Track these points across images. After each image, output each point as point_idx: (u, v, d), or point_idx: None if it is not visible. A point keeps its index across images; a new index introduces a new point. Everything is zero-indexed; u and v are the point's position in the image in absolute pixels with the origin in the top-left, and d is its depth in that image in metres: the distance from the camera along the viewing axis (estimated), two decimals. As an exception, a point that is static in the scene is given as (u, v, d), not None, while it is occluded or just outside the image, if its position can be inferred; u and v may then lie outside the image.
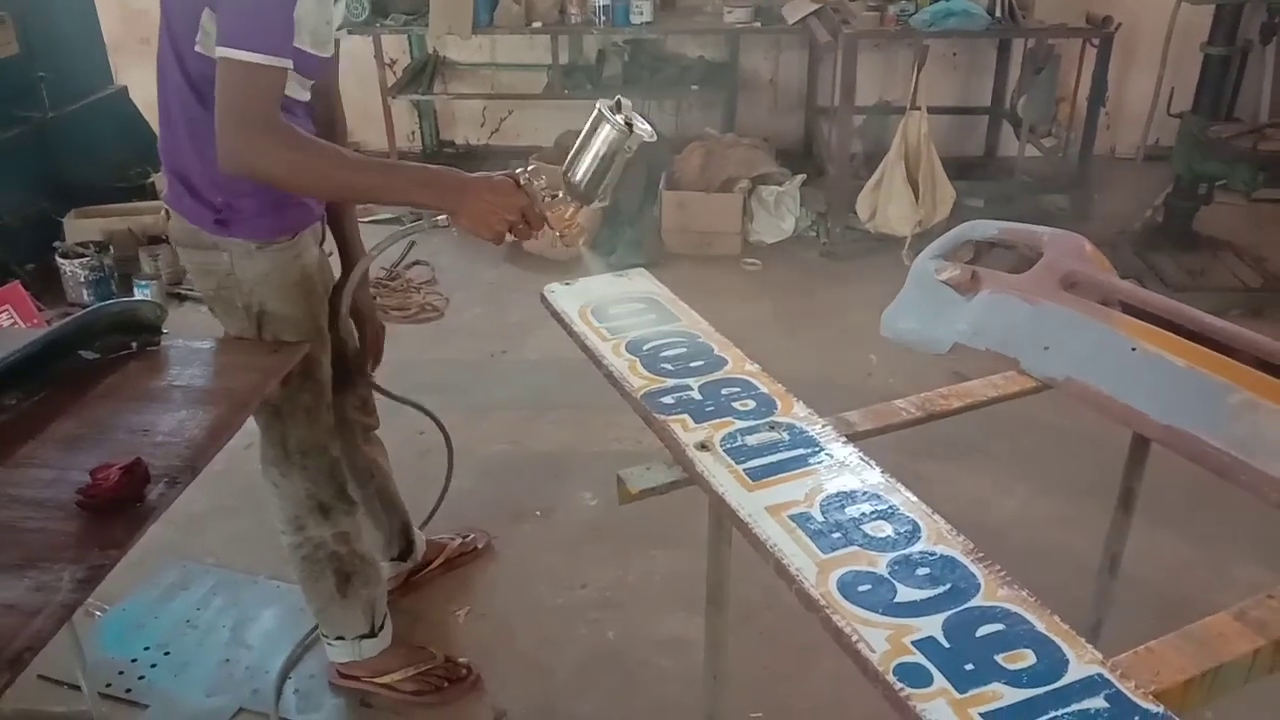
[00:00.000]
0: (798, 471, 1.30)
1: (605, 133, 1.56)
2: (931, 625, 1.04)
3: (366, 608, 2.05)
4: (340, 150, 1.59)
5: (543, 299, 1.82)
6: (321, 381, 1.86)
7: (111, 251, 3.88)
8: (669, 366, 1.57)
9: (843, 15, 4.25)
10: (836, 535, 1.18)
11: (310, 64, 1.60)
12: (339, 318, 1.90)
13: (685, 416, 1.43)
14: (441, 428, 2.35)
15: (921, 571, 1.12)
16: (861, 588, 1.10)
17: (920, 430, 1.59)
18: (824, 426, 1.41)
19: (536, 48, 5.25)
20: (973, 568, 1.12)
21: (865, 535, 1.18)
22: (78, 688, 2.01)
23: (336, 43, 1.71)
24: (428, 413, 2.28)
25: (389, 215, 4.35)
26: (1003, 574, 1.11)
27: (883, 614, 1.06)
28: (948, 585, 1.10)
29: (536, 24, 4.66)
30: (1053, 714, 0.94)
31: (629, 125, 1.56)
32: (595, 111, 1.57)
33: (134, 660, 2.23)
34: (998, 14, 4.17)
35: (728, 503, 1.25)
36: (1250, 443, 1.33)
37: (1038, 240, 1.76)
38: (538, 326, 3.49)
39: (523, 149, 4.94)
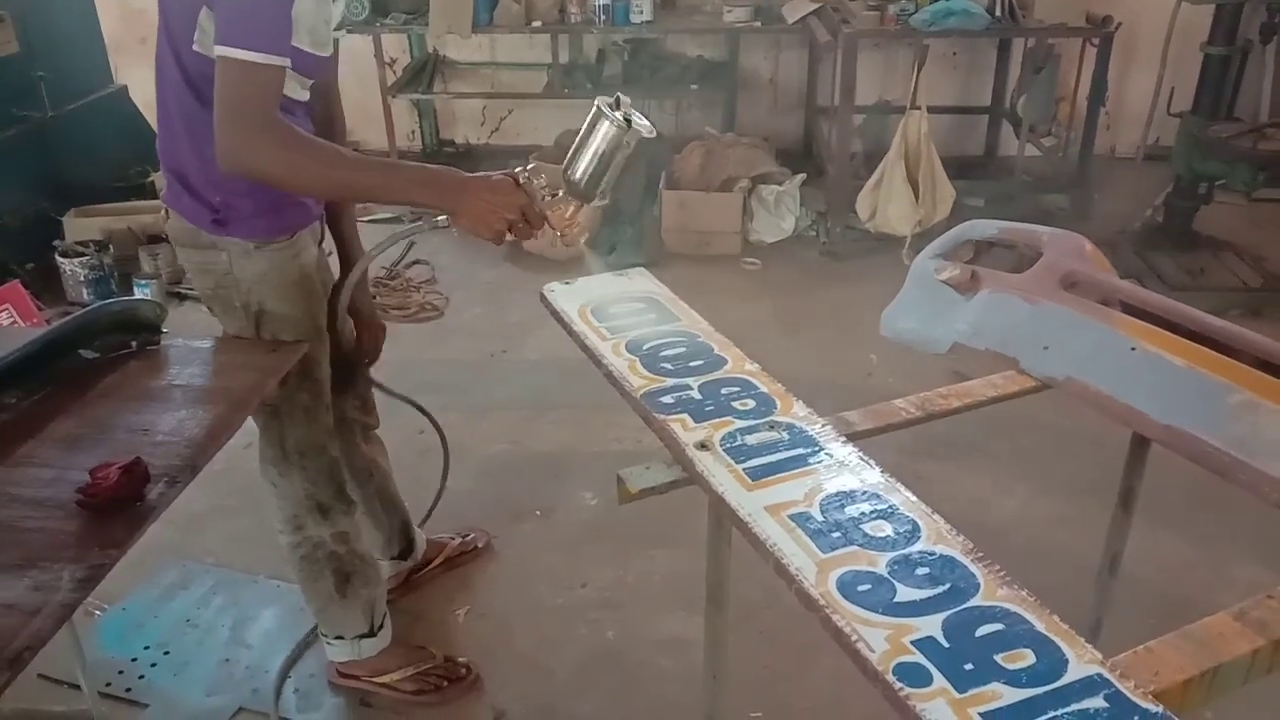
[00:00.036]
0: (797, 471, 1.30)
1: (604, 129, 1.56)
2: (931, 625, 1.04)
3: (366, 607, 2.05)
4: (338, 149, 1.59)
5: (542, 298, 1.82)
6: (320, 381, 1.86)
7: (111, 250, 3.89)
8: (669, 366, 1.57)
9: (843, 15, 4.25)
10: (836, 535, 1.18)
11: (309, 63, 1.60)
12: (338, 317, 1.90)
13: (685, 416, 1.43)
14: (435, 424, 2.35)
15: (921, 571, 1.12)
16: (861, 587, 1.09)
17: (920, 430, 1.59)
18: (824, 426, 1.41)
19: (536, 47, 5.25)
20: (972, 567, 1.12)
21: (865, 535, 1.18)
22: (77, 687, 2.01)
23: (335, 42, 1.71)
24: (422, 410, 2.28)
25: (388, 215, 4.36)
26: (1002, 574, 1.11)
27: (882, 614, 1.06)
28: (947, 585, 1.10)
29: (536, 23, 4.66)
30: (1052, 714, 0.94)
31: (627, 121, 1.56)
32: (594, 109, 1.57)
33: (134, 660, 2.23)
34: (998, 13, 4.17)
35: (727, 502, 1.25)
36: (1250, 443, 1.33)
37: (1037, 240, 1.76)
38: (537, 326, 3.49)
39: (523, 148, 4.93)
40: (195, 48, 1.54)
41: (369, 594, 2.05)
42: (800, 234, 4.44)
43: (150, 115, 3.89)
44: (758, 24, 4.71)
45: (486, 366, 3.50)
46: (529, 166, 1.62)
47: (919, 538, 1.17)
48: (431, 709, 2.10)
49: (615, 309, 1.75)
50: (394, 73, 5.12)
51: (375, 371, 2.16)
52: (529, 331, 3.61)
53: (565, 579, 2.48)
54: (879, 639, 1.02)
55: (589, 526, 2.66)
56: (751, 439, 1.37)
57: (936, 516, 1.21)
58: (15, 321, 3.32)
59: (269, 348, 1.75)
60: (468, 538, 2.55)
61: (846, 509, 1.23)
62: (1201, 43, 3.97)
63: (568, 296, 1.80)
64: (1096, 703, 0.95)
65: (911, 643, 1.02)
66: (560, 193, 1.62)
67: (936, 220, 4.10)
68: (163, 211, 1.77)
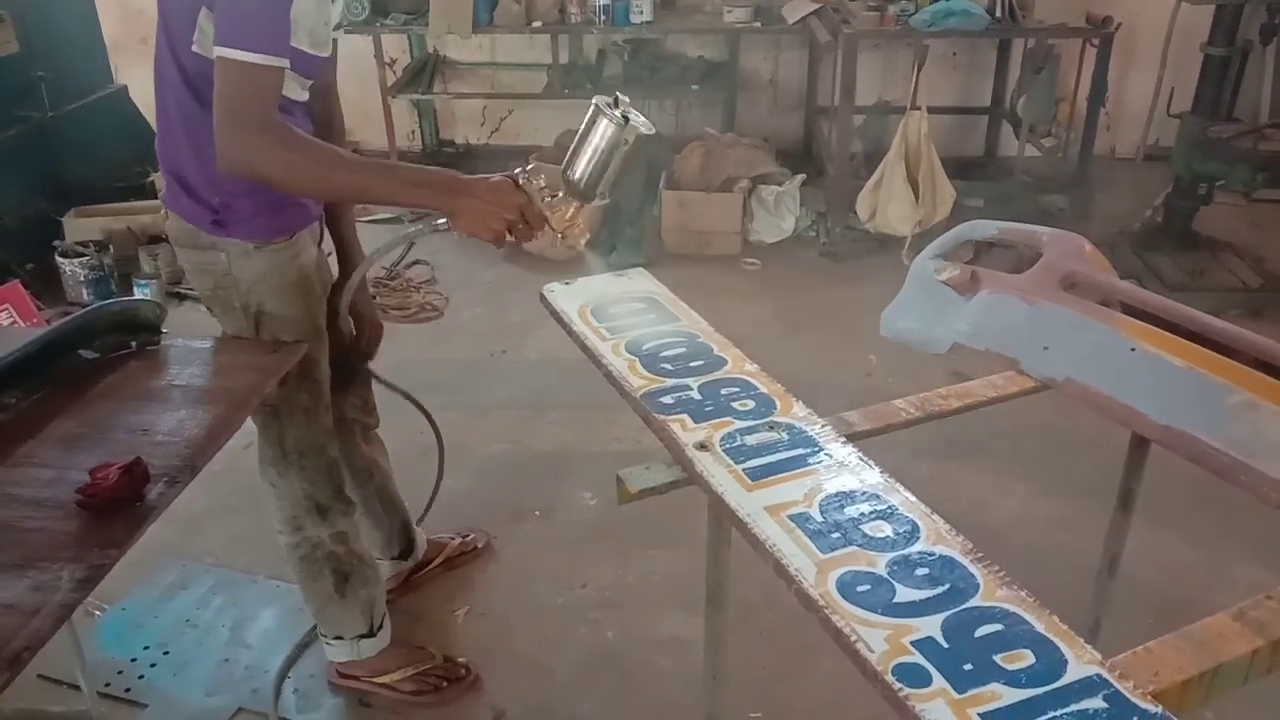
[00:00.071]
0: (797, 471, 1.30)
1: (602, 127, 1.56)
2: (930, 625, 1.04)
3: (365, 607, 2.05)
4: (337, 151, 1.59)
5: (542, 299, 1.82)
6: (319, 381, 1.86)
7: (111, 251, 3.89)
8: (668, 366, 1.57)
9: (843, 15, 4.25)
10: (836, 535, 1.18)
11: (309, 64, 1.60)
12: (338, 317, 1.90)
13: (684, 416, 1.43)
14: (430, 418, 2.34)
15: (920, 572, 1.12)
16: (860, 588, 1.10)
17: (920, 430, 1.59)
18: (823, 426, 1.41)
19: (536, 47, 5.25)
20: (972, 568, 1.12)
21: (864, 535, 1.18)
22: (77, 687, 2.01)
23: (334, 42, 1.71)
24: (418, 404, 2.27)
25: (388, 215, 4.36)
26: (1002, 574, 1.11)
27: (882, 614, 1.06)
28: (947, 585, 1.10)
29: (536, 23, 4.66)
30: (1051, 714, 0.94)
31: (625, 119, 1.55)
32: (591, 107, 1.57)
33: (133, 660, 2.23)
34: (998, 14, 4.17)
35: (727, 502, 1.25)
36: (1250, 443, 1.33)
37: (1037, 240, 1.76)
38: (537, 326, 3.49)
39: (523, 148, 4.93)
40: (194, 48, 1.54)
41: (368, 594, 2.05)
42: (800, 234, 4.44)
43: (150, 115, 3.90)
44: (758, 24, 4.71)
45: (486, 366, 3.50)
46: (528, 167, 1.62)
47: (918, 538, 1.17)
48: (431, 709, 2.10)
49: (615, 309, 1.75)
50: (394, 73, 5.12)
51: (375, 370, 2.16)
52: (529, 331, 3.61)
53: (565, 579, 2.48)
54: (878, 639, 1.02)
55: (589, 526, 2.66)
56: (751, 439, 1.37)
57: (936, 517, 1.21)
58: (15, 321, 3.32)
59: (268, 348, 1.75)
60: (467, 538, 2.55)
61: (846, 509, 1.23)
62: (1201, 43, 3.97)
63: (567, 296, 1.80)
64: (1096, 703, 0.95)
65: (911, 643, 1.02)
66: (560, 194, 1.62)
67: (936, 221, 4.10)
68: (163, 212, 1.77)
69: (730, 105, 5.14)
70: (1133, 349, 1.48)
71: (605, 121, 1.55)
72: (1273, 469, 1.30)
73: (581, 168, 1.59)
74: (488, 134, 5.63)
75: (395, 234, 1.79)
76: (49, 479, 1.37)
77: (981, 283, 1.70)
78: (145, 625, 2.33)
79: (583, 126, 1.59)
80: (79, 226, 4.03)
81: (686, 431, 1.40)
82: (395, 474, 2.30)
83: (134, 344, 1.72)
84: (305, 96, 1.70)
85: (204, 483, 1.57)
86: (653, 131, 1.59)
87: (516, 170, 1.60)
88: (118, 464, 1.32)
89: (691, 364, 1.57)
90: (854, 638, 1.03)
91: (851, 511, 1.22)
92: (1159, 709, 0.95)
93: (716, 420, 1.42)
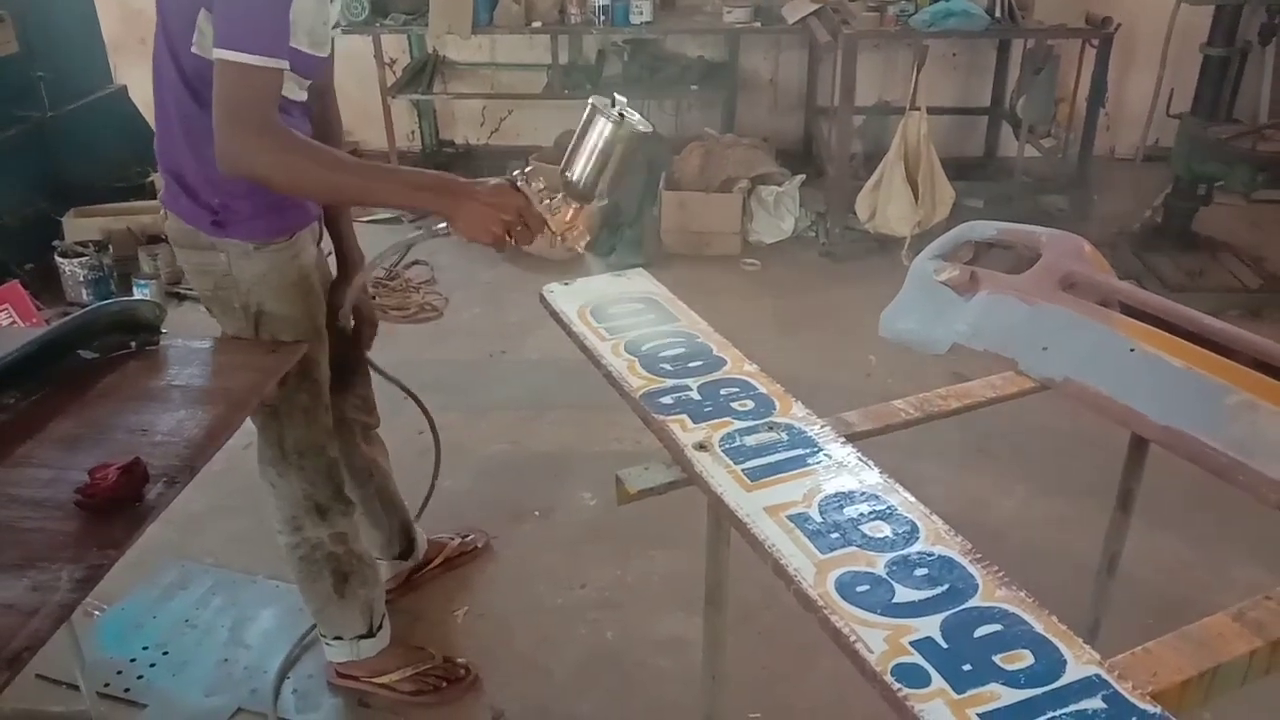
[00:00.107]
0: (796, 472, 1.30)
1: (599, 127, 1.56)
2: (929, 626, 1.04)
3: (364, 608, 2.05)
4: (336, 153, 1.59)
5: (541, 299, 1.83)
6: (319, 382, 1.86)
7: (110, 251, 3.88)
8: (668, 367, 1.57)
9: (842, 15, 4.25)
10: (835, 535, 1.18)
11: (308, 64, 1.61)
12: (337, 318, 1.90)
13: (684, 417, 1.43)
14: (426, 411, 2.33)
15: (920, 572, 1.12)
16: (860, 588, 1.10)
17: (919, 431, 1.59)
18: (823, 427, 1.41)
19: (536, 47, 5.26)
20: (971, 568, 1.12)
21: (863, 535, 1.18)
22: (76, 687, 2.00)
23: (331, 41, 1.71)
24: (414, 396, 2.27)
25: (388, 215, 4.36)
26: (1001, 574, 1.11)
27: (881, 614, 1.06)
28: (946, 586, 1.10)
29: (536, 24, 4.66)
30: (1050, 714, 0.94)
31: (621, 117, 1.55)
32: (588, 107, 1.57)
33: (132, 660, 2.23)
34: (997, 14, 4.17)
35: (726, 503, 1.25)
36: (1249, 444, 1.33)
37: (1036, 241, 1.76)
38: (537, 326, 3.49)
39: (522, 149, 4.93)
40: (194, 50, 1.54)
41: (367, 594, 2.05)
42: (800, 235, 4.45)
43: (150, 115, 3.91)
44: (757, 25, 4.71)
45: (486, 367, 3.51)
46: (526, 169, 1.61)
47: (917, 538, 1.17)
48: (430, 709, 2.10)
49: (614, 309, 1.75)
50: (394, 73, 5.12)
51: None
52: (528, 332, 3.61)
53: (564, 579, 2.48)
54: (877, 640, 1.02)
55: (588, 527, 2.66)
56: (750, 440, 1.37)
57: (935, 517, 1.21)
58: (14, 322, 3.32)
59: (268, 348, 1.75)
60: (467, 538, 2.55)
61: (845, 510, 1.23)
62: (1201, 44, 3.97)
63: (567, 297, 1.80)
64: (1095, 703, 0.95)
65: (910, 643, 1.02)
66: (559, 195, 1.61)
67: (936, 221, 4.10)
68: (161, 212, 1.77)
69: (730, 105, 5.14)
70: (1132, 349, 1.49)
71: (602, 121, 1.55)
72: (1271, 469, 1.31)
73: (579, 168, 1.59)
74: (487, 134, 5.63)
75: (395, 234, 1.79)
76: (48, 479, 1.37)
77: (981, 283, 1.70)
78: (144, 625, 2.33)
79: (580, 127, 1.59)
80: (78, 226, 4.03)
81: (686, 432, 1.40)
82: (395, 474, 2.30)
83: (133, 344, 1.72)
84: (304, 96, 1.70)
85: (203, 483, 1.57)
86: (650, 130, 1.59)
87: (515, 172, 1.60)
88: (117, 464, 1.32)
89: (691, 364, 1.57)
90: (853, 638, 1.03)
91: (850, 512, 1.22)
92: (1158, 709, 0.95)
93: (716, 420, 1.42)
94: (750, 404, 1.46)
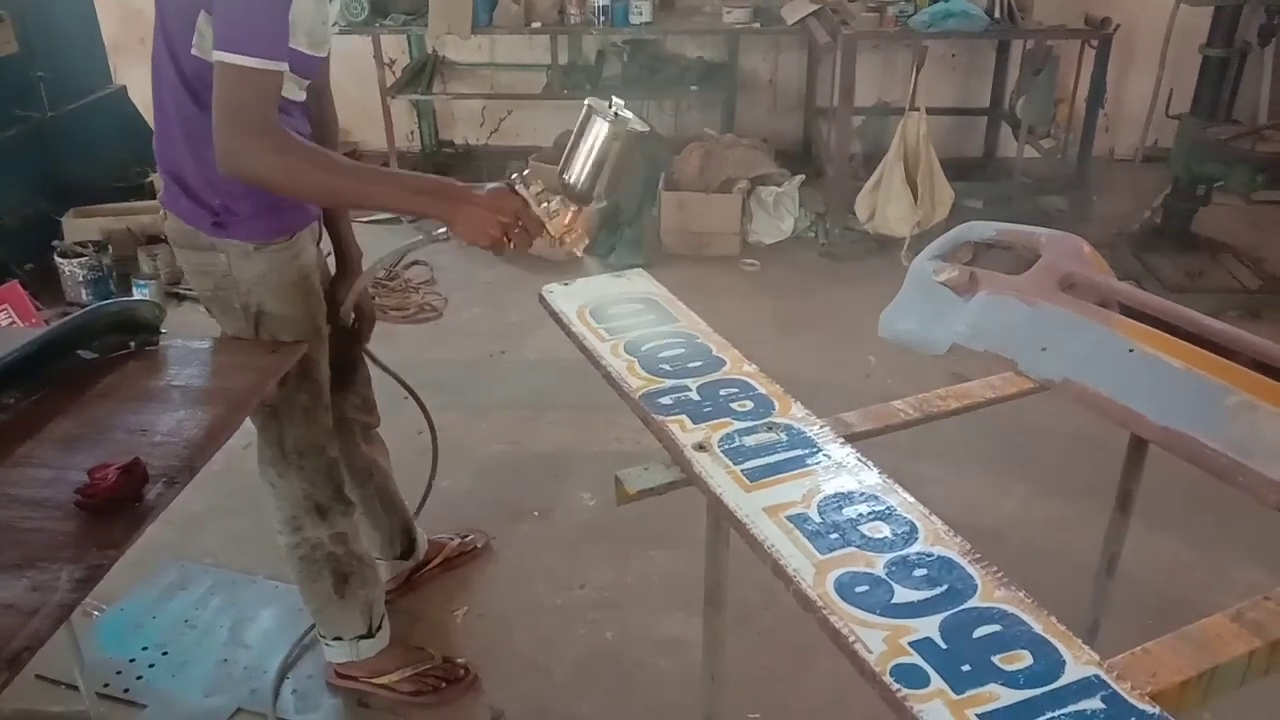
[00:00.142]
0: (795, 472, 1.31)
1: (596, 128, 1.56)
2: (928, 626, 1.04)
3: (364, 608, 2.05)
4: (335, 156, 1.59)
5: (541, 299, 1.83)
6: (319, 382, 1.86)
7: (110, 251, 3.88)
8: (667, 367, 1.57)
9: (842, 16, 4.26)
10: (834, 536, 1.18)
11: (308, 64, 1.61)
12: (338, 316, 1.91)
13: (683, 417, 1.43)
14: (423, 406, 2.33)
15: (919, 572, 1.12)
16: (859, 588, 1.10)
17: (918, 431, 1.59)
18: (822, 427, 1.41)
19: (536, 48, 5.26)
20: (970, 569, 1.12)
21: (863, 536, 1.18)
22: (75, 687, 2.00)
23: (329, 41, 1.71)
24: (410, 389, 2.26)
25: (387, 216, 4.34)
26: (1000, 575, 1.11)
27: (880, 615, 1.06)
28: (945, 586, 1.10)
29: (536, 24, 4.66)
30: (1049, 715, 0.94)
31: (618, 119, 1.55)
32: (584, 109, 1.57)
33: (132, 660, 2.22)
34: (997, 15, 4.18)
35: (725, 503, 1.26)
36: (1248, 444, 1.34)
37: (1036, 241, 1.76)
38: (536, 327, 3.49)
39: (522, 149, 4.93)
40: (194, 52, 1.54)
41: (367, 595, 2.05)
42: (799, 235, 4.45)
43: (150, 115, 3.91)
44: (757, 25, 4.71)
45: (485, 367, 3.51)
46: (524, 172, 1.62)
47: (917, 539, 1.17)
48: (429, 710, 2.10)
49: (614, 310, 1.76)
50: (393, 73, 5.12)
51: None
52: (528, 332, 3.61)
53: (564, 579, 2.48)
54: (876, 640, 1.02)
55: (588, 527, 2.66)
56: (750, 440, 1.38)
57: (934, 518, 1.21)
58: (14, 322, 3.32)
59: (268, 348, 1.75)
60: (466, 538, 2.55)
61: (844, 510, 1.23)
62: (1200, 44, 3.98)
63: (566, 297, 1.80)
64: (1094, 704, 0.95)
65: (909, 644, 1.02)
66: (558, 198, 1.61)
67: (935, 222, 4.11)
68: (161, 213, 1.77)
69: (729, 106, 5.14)
70: (1131, 350, 1.49)
71: (599, 122, 1.55)
72: (1271, 470, 1.31)
73: (577, 170, 1.59)
74: (487, 134, 5.63)
75: (394, 235, 1.80)
76: (48, 479, 1.37)
77: (980, 284, 1.70)
78: (144, 626, 2.33)
79: (576, 129, 1.59)
80: (78, 227, 4.03)
81: (685, 432, 1.40)
82: (395, 474, 2.30)
83: (133, 344, 1.72)
84: (303, 96, 1.71)
85: (203, 483, 1.58)
86: (646, 129, 1.59)
87: (512, 175, 1.60)
88: (116, 464, 1.32)
89: (690, 365, 1.57)
90: (852, 638, 1.03)
91: (850, 512, 1.22)
92: (1157, 710, 0.95)
93: (715, 421, 1.42)
94: (749, 404, 1.46)
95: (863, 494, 1.26)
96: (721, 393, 1.49)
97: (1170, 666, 1.05)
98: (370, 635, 2.08)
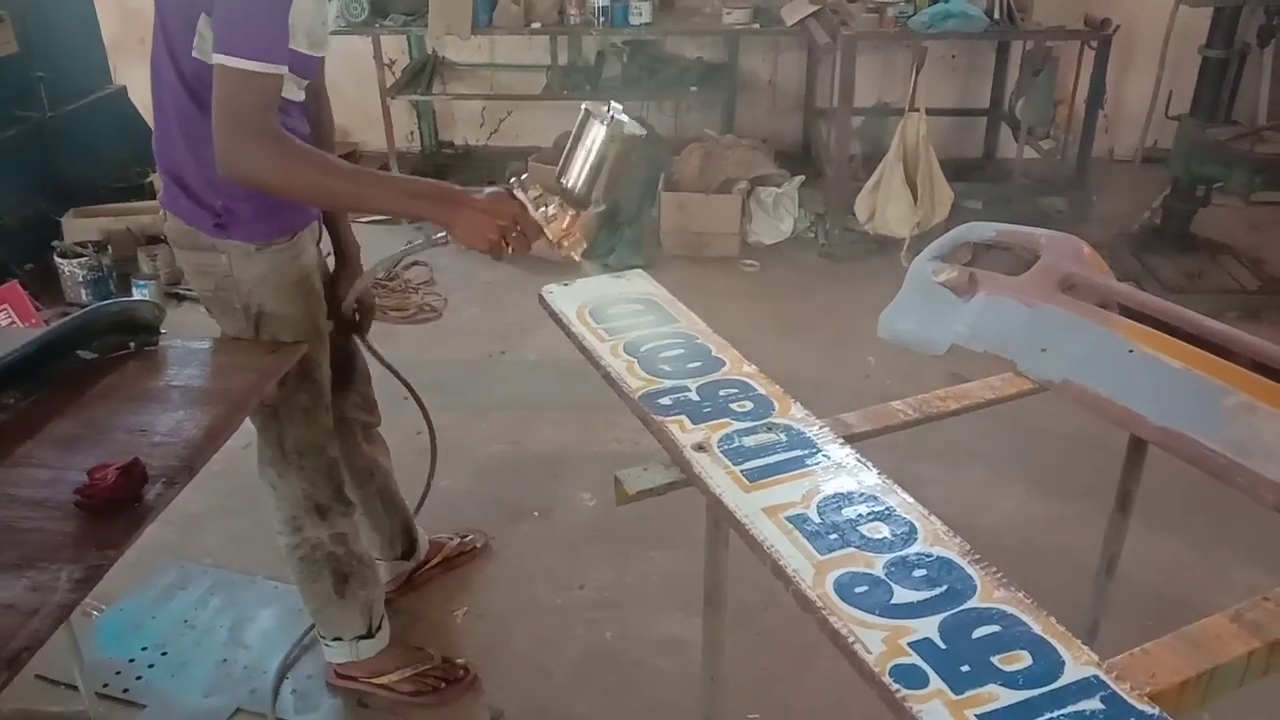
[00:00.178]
0: (795, 473, 1.31)
1: (593, 132, 1.56)
2: (928, 627, 1.04)
3: (364, 608, 2.05)
4: (334, 160, 1.59)
5: (541, 300, 1.83)
6: (319, 382, 1.86)
7: (110, 251, 3.88)
8: (667, 368, 1.57)
9: (841, 17, 4.26)
10: (833, 536, 1.18)
11: (307, 64, 1.61)
12: (339, 310, 1.91)
13: (683, 417, 1.43)
14: (422, 406, 2.33)
15: (918, 573, 1.12)
16: (858, 589, 1.10)
17: (918, 432, 1.59)
18: (821, 428, 1.41)
19: (535, 48, 5.26)
20: (969, 569, 1.12)
21: (862, 536, 1.18)
22: (75, 688, 2.01)
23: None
24: (407, 384, 2.27)
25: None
26: (999, 575, 1.11)
27: (879, 615, 1.06)
28: (944, 587, 1.10)
29: (535, 24, 4.66)
30: (1048, 715, 0.94)
31: (615, 122, 1.55)
32: (581, 113, 1.58)
33: (131, 660, 2.22)
34: (996, 16, 4.18)
35: (725, 504, 1.26)
36: (1247, 445, 1.34)
37: (1035, 242, 1.76)
38: (536, 327, 3.49)
39: (522, 149, 4.93)
40: (194, 54, 1.54)
41: (367, 595, 2.05)
42: (799, 236, 4.45)
43: (149, 115, 3.91)
44: (756, 26, 4.71)
45: (485, 367, 3.51)
46: (522, 176, 1.62)
47: (916, 539, 1.17)
48: (429, 710, 2.10)
49: (613, 310, 1.76)
50: (393, 74, 5.11)
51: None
52: (527, 332, 3.61)
53: (563, 580, 2.48)
54: (876, 641, 1.02)
55: (587, 527, 2.66)
56: (749, 440, 1.38)
57: (933, 518, 1.21)
58: (13, 322, 3.32)
59: (268, 349, 1.75)
60: (466, 538, 2.55)
61: (844, 510, 1.23)
62: (1199, 45, 3.98)
63: (566, 298, 1.80)
64: (1093, 704, 0.95)
65: (908, 644, 1.02)
66: (555, 202, 1.61)
67: (935, 222, 4.11)
68: (160, 213, 1.77)
69: (729, 107, 5.14)
70: (1130, 351, 1.49)
71: (596, 126, 1.56)
72: (1269, 471, 1.31)
73: (574, 175, 1.59)
74: (487, 135, 5.63)
75: (393, 234, 1.80)
76: (47, 479, 1.37)
77: (980, 284, 1.70)
78: (143, 626, 2.33)
79: (574, 133, 1.59)
80: (77, 227, 4.03)
81: (685, 433, 1.40)
82: (395, 473, 2.30)
83: (132, 345, 1.72)
84: (302, 96, 1.71)
85: (202, 483, 1.57)
86: (643, 134, 1.59)
87: (511, 179, 1.61)
88: (116, 464, 1.32)
89: (690, 365, 1.57)
90: (851, 639, 1.03)
91: (849, 513, 1.22)
92: (1156, 710, 0.95)
93: (715, 421, 1.42)
94: (749, 405, 1.46)
95: (862, 494, 1.26)
96: (721, 393, 1.49)
97: (1169, 667, 1.05)
98: (370, 635, 2.08)
